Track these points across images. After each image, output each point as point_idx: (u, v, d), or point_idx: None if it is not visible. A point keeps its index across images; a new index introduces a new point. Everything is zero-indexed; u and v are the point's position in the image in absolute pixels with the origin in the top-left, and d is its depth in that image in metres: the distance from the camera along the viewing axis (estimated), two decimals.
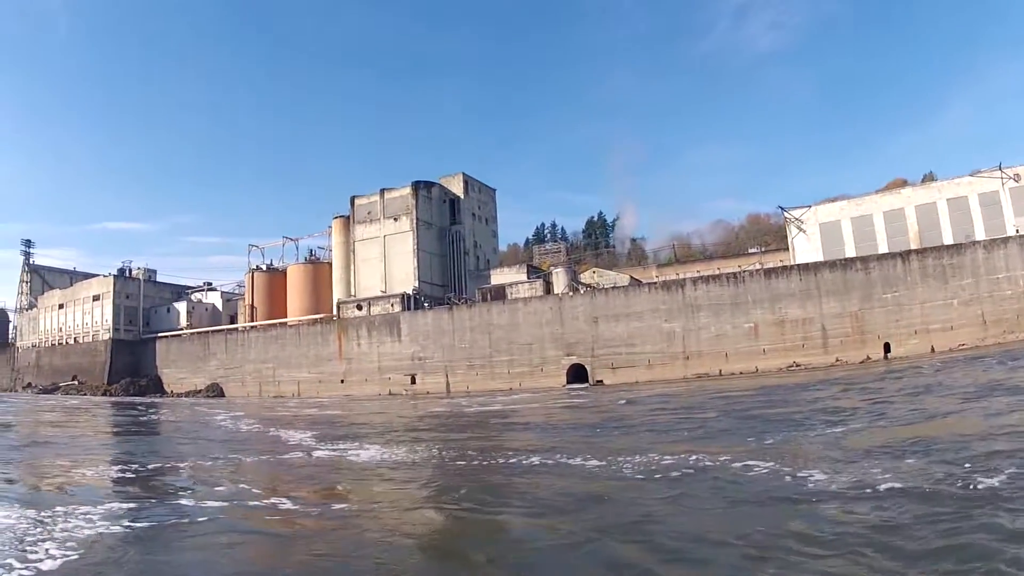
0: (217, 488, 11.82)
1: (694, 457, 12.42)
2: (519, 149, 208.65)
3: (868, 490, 9.15)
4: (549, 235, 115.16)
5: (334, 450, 17.93)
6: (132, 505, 10.60)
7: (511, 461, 13.81)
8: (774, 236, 60.62)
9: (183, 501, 10.69)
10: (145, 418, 38.61)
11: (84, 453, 20.23)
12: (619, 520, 8.72)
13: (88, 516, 9.70)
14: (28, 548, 8.28)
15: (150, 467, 15.72)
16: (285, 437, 22.79)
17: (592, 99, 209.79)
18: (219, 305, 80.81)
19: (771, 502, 9.13)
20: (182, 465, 16.13)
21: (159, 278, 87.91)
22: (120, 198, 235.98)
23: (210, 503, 10.40)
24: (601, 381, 44.31)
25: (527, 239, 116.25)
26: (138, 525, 9.43)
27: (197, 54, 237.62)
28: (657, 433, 17.90)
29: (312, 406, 43.33)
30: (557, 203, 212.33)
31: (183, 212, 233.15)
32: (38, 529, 9.11)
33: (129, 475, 14.59)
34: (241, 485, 12.30)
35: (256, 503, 10.47)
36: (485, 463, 14.03)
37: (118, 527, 9.26)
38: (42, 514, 9.76)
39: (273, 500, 10.53)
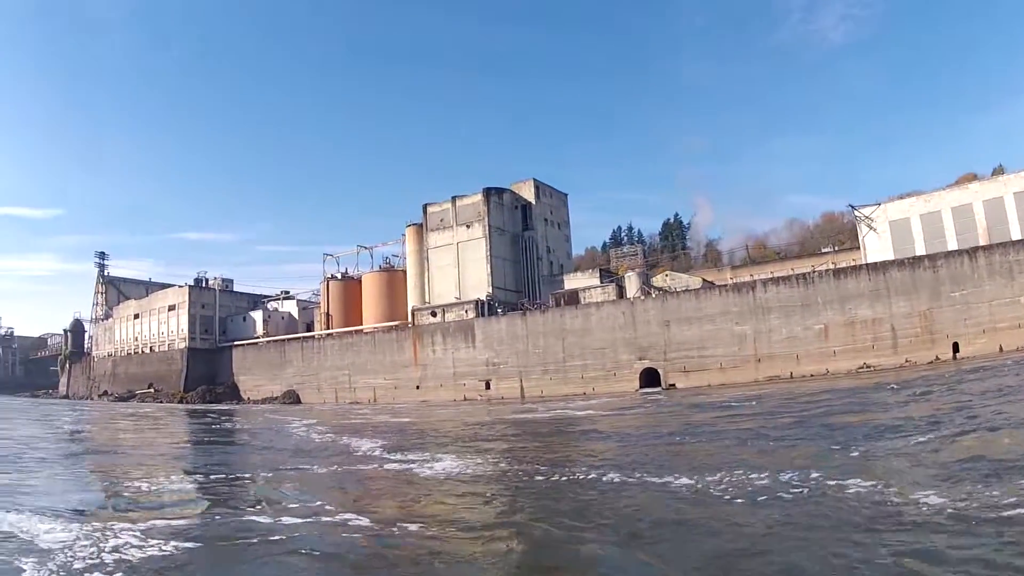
0: (289, 504, 12.51)
1: (786, 476, 12.62)
2: (594, 150, 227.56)
3: (991, 514, 9.03)
4: (626, 238, 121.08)
5: (405, 461, 18.80)
6: (201, 521, 11.40)
7: (591, 477, 14.23)
8: (848, 234, 64.25)
9: (254, 517, 11.36)
10: (218, 426, 42.51)
11: (155, 462, 22.58)
12: (720, 551, 8.93)
13: (155, 531, 10.51)
14: (88, 565, 9.13)
15: (221, 478, 17.19)
16: (357, 446, 24.48)
17: (665, 96, 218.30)
18: (295, 313, 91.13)
19: (883, 530, 9.02)
20: (253, 476, 17.61)
21: (235, 287, 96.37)
22: (198, 208, 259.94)
23: (283, 519, 11.04)
24: (674, 385, 49.34)
25: (604, 243, 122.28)
26: (207, 542, 10.29)
27: (269, 60, 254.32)
28: (739, 444, 18.43)
29: (386, 412, 47.85)
30: (633, 204, 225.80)
31: (260, 221, 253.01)
32: (100, 544, 10.02)
33: (200, 486, 15.86)
34: (312, 499, 13.02)
35: (328, 519, 11.00)
36: (563, 479, 14.52)
37: (187, 543, 10.09)
38: (106, 527, 10.59)
39: (345, 516, 11.06)
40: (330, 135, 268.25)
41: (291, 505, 12.28)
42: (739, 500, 11.33)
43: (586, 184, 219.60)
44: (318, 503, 12.47)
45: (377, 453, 21.44)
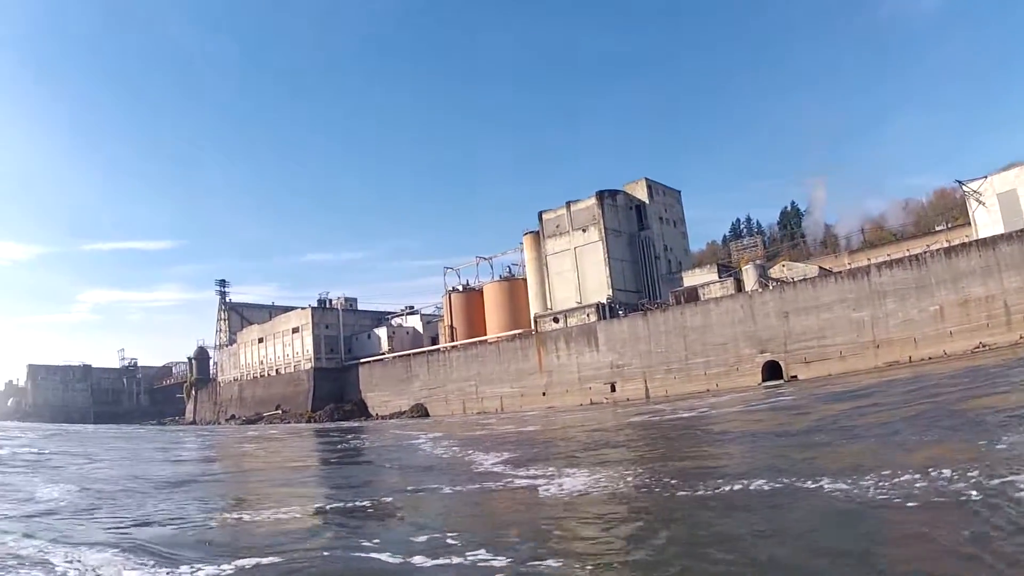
0: (412, 537, 12.19)
1: (943, 473, 12.49)
2: (706, 144, 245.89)
3: None
4: (744, 229, 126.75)
5: (532, 477, 19.10)
6: (315, 560, 11.27)
7: (735, 488, 13.99)
8: (960, 210, 68.28)
9: (374, 554, 11.15)
10: (344, 445, 45.19)
11: (273, 487, 24.29)
12: None
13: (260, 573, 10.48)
14: None
15: (341, 506, 17.29)
16: (483, 461, 25.26)
17: (777, 83, 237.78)
18: (419, 328, 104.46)
19: None
20: (376, 503, 17.78)
21: (360, 305, 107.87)
22: (320, 231, 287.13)
23: (411, 560, 10.62)
24: (795, 376, 56.03)
25: (724, 236, 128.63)
26: None
27: (377, 65, 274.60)
28: (878, 439, 18.72)
29: (512, 422, 51.93)
30: (751, 195, 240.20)
31: (382, 239, 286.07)
32: None
33: (319, 515, 16.13)
34: (438, 529, 12.91)
35: (457, 559, 10.48)
36: (701, 492, 14.19)
37: None
38: (194, 571, 10.54)
39: (476, 554, 10.59)
40: (451, 150, 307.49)
41: (417, 539, 11.92)
42: (903, 508, 10.92)
43: (702, 179, 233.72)
44: (440, 534, 12.24)
45: (503, 469, 22.06)
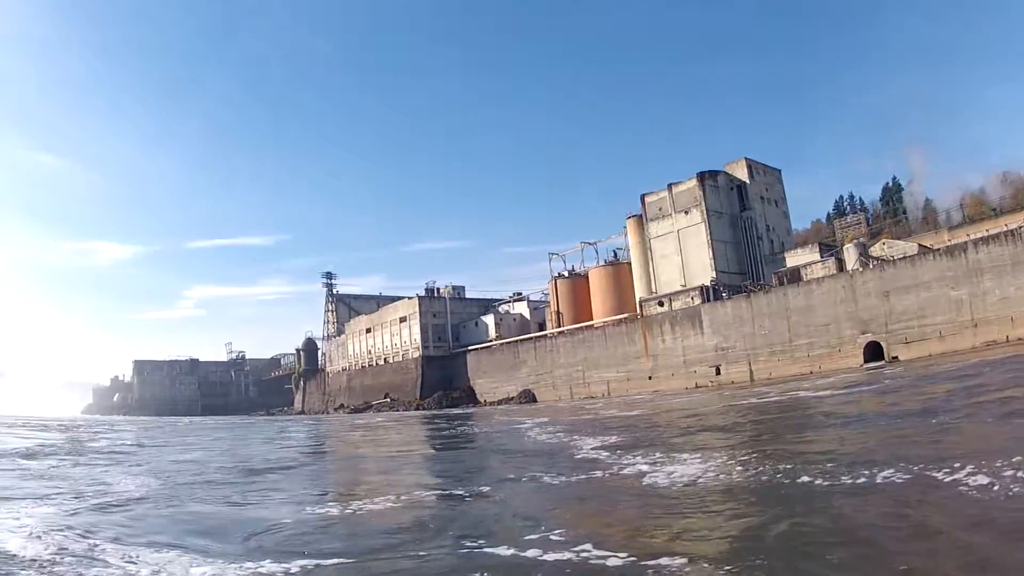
0: (520, 530, 12.06)
1: None
2: (810, 121, 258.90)
3: None
4: (848, 207, 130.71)
5: (640, 464, 19.13)
6: (416, 554, 11.05)
7: (860, 481, 13.33)
8: None
9: (486, 548, 10.85)
10: (449, 431, 47.47)
11: (376, 474, 25.54)
12: None
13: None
14: None
15: (442, 493, 17.90)
16: (588, 446, 25.97)
17: (877, 57, 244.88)
18: (527, 314, 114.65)
19: None
20: (476, 491, 18.05)
21: (468, 293, 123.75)
22: (426, 221, 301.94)
23: (524, 553, 10.37)
24: (896, 357, 60.19)
25: (828, 214, 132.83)
26: None
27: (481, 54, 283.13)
28: (997, 420, 19.03)
29: (617, 406, 54.15)
30: (854, 172, 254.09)
31: (489, 226, 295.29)
32: None
33: (418, 506, 16.11)
34: (543, 521, 12.73)
35: (568, 554, 10.09)
36: (821, 483, 13.75)
37: None
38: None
39: (585, 549, 10.20)
40: (548, 136, 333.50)
41: (525, 532, 11.62)
42: None
43: (803, 157, 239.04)
44: (551, 529, 11.78)
45: (608, 456, 22.10)
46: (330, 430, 62.40)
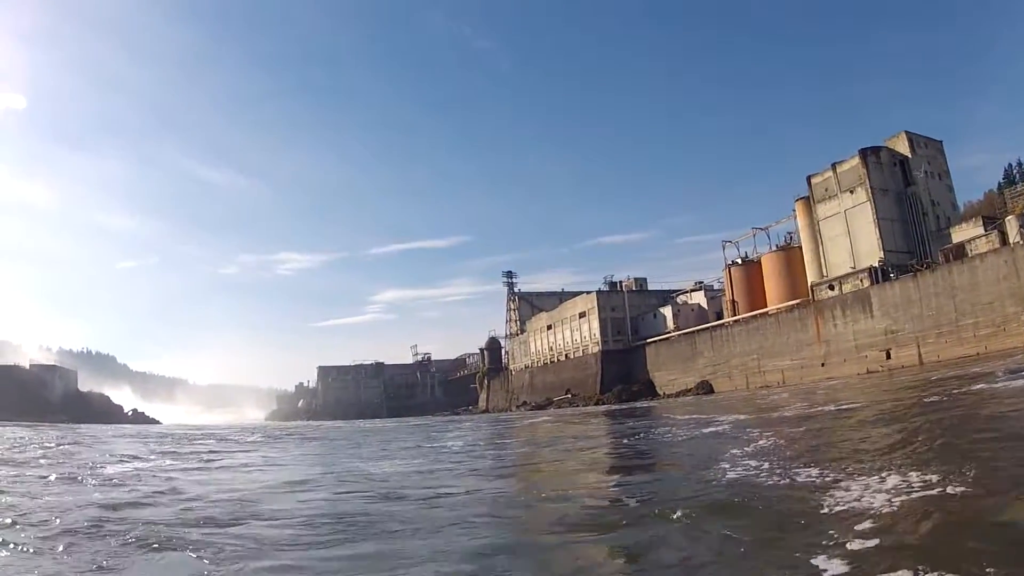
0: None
1: None
2: (976, 90, 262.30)
3: None
4: (1017, 175, 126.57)
5: (815, 480, 14.71)
6: None
7: None
8: None
9: None
10: (633, 432, 41.31)
11: (555, 481, 22.25)
12: None
13: None
14: None
15: (625, 508, 14.71)
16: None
17: None
18: (704, 304, 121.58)
19: None
20: (666, 511, 13.34)
21: (650, 284, 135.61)
22: (610, 213, 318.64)
23: None
24: None
25: (998, 183, 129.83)
26: None
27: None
28: None
29: (799, 396, 52.20)
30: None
31: (673, 215, 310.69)
32: None
33: (600, 523, 13.19)
34: (719, 546, 10.49)
35: None
36: None
37: None
38: None
39: None
40: (717, 123, 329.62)
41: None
42: None
43: (973, 123, 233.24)
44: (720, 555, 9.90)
45: (783, 465, 17.42)
46: (494, 431, 57.45)
